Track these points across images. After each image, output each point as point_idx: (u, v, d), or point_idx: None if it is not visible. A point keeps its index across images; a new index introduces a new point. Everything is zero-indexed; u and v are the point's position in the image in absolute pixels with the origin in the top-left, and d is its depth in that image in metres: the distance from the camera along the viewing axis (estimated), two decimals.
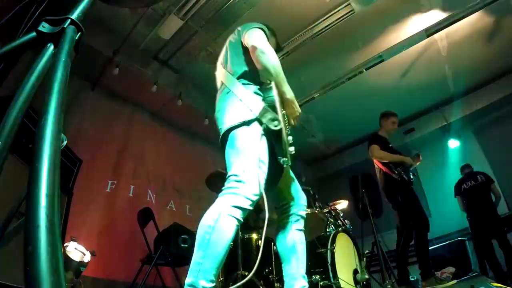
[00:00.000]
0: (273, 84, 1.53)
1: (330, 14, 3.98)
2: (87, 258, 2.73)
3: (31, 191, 0.38)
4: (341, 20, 4.02)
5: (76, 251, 2.66)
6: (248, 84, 1.62)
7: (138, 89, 4.72)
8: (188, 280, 1.18)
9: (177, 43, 4.31)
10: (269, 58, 1.57)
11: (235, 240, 2.90)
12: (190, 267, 1.21)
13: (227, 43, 1.86)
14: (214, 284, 1.19)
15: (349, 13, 3.93)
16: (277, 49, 1.97)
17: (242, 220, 1.32)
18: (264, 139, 1.48)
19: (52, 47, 0.55)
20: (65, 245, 2.63)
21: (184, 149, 5.40)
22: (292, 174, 1.74)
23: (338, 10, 3.93)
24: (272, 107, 1.48)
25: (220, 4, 3.77)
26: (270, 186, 1.58)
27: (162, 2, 3.68)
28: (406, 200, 3.41)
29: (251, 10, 3.80)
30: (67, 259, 2.55)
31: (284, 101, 1.59)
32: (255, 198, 1.34)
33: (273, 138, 1.48)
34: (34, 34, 0.56)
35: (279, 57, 1.65)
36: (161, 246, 3.15)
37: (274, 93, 1.51)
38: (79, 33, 0.58)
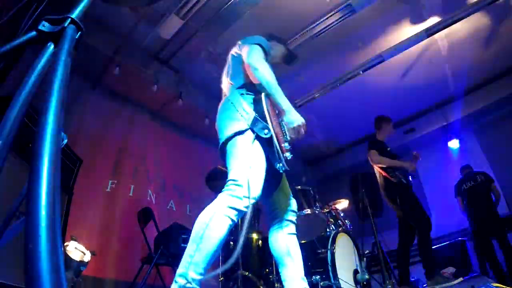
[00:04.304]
0: (262, 96, 1.62)
1: (330, 14, 3.98)
2: (87, 257, 2.73)
3: (31, 190, 0.38)
4: (341, 20, 4.02)
5: (76, 251, 2.66)
6: (246, 94, 1.70)
7: (139, 89, 4.72)
8: (179, 270, 1.26)
9: (177, 43, 4.31)
10: (262, 74, 1.65)
11: (235, 240, 2.90)
12: (182, 259, 1.29)
13: (229, 56, 1.96)
14: (202, 276, 1.26)
15: (349, 13, 3.93)
16: (290, 55, 2.19)
17: (236, 221, 1.40)
18: (259, 146, 1.55)
19: (52, 46, 0.55)
20: (65, 244, 2.63)
21: (184, 149, 5.40)
22: (285, 180, 1.79)
23: (338, 10, 3.93)
24: (262, 117, 1.55)
25: (220, 4, 3.77)
26: (268, 192, 1.65)
27: (162, 2, 3.67)
28: (406, 204, 3.43)
29: (251, 10, 3.80)
30: (67, 259, 2.55)
31: (281, 112, 1.67)
32: (251, 201, 1.41)
33: (266, 145, 1.55)
34: (34, 33, 0.56)
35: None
36: (161, 245, 3.15)
37: (263, 104, 1.59)
38: (79, 33, 0.58)
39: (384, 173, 3.58)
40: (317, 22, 4.08)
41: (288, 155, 1.58)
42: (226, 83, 1.87)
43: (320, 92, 5.18)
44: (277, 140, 1.53)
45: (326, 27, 4.10)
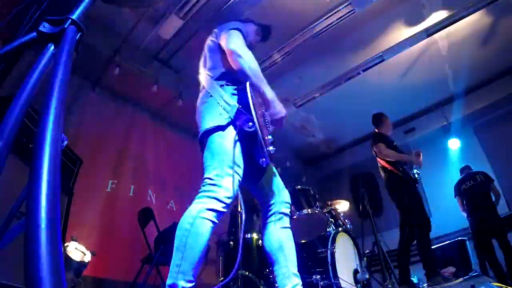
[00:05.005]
0: (247, 85, 1.53)
1: (330, 14, 3.98)
2: (87, 258, 2.73)
3: (31, 191, 0.38)
4: (341, 20, 4.02)
5: (77, 251, 2.66)
6: (226, 85, 1.61)
7: (139, 89, 4.72)
8: (168, 281, 1.25)
9: (177, 43, 4.31)
10: (246, 61, 1.56)
11: (235, 239, 2.91)
12: (170, 269, 1.28)
13: (205, 45, 1.85)
14: (193, 283, 1.25)
15: (349, 13, 3.93)
16: (264, 30, 2.05)
17: (217, 222, 1.36)
18: (238, 142, 1.49)
19: (52, 47, 0.55)
20: (65, 245, 2.63)
21: (184, 149, 5.40)
22: (275, 171, 1.70)
23: (338, 10, 3.93)
24: (246, 109, 1.47)
25: (220, 4, 3.77)
26: (252, 185, 1.60)
27: (162, 2, 3.68)
28: (410, 199, 3.39)
29: (251, 10, 3.80)
30: (68, 259, 2.55)
31: (265, 102, 1.59)
32: (229, 201, 1.38)
33: (249, 139, 1.48)
34: (34, 34, 0.56)
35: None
36: (162, 245, 3.14)
37: (248, 94, 1.51)
38: (80, 33, 0.58)
39: (390, 167, 3.51)
40: (317, 22, 4.08)
41: (271, 148, 1.53)
42: (204, 75, 1.76)
43: (320, 92, 5.18)
44: (261, 133, 1.45)
45: (326, 27, 4.10)
